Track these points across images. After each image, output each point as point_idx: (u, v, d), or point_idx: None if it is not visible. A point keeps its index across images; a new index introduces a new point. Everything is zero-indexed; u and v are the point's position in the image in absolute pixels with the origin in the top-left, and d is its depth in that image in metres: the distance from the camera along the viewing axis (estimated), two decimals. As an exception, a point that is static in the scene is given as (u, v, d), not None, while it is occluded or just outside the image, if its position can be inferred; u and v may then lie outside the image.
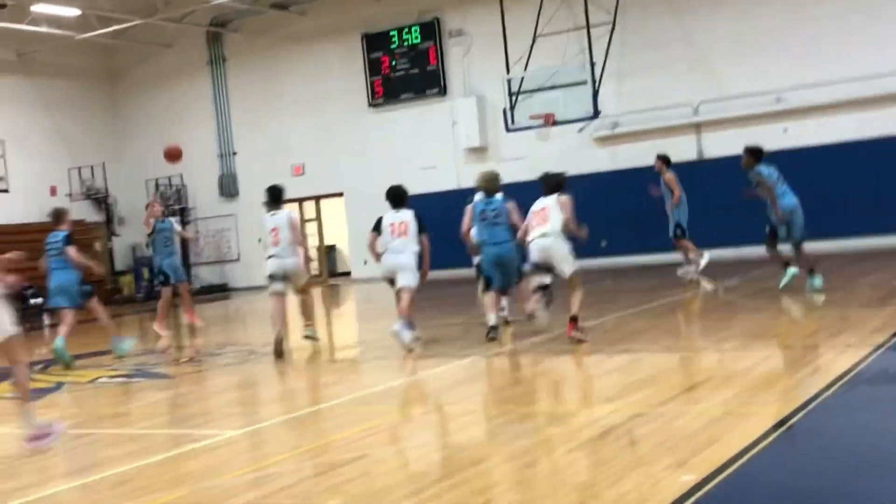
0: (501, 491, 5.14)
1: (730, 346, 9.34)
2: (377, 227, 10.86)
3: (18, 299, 7.29)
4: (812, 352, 8.70)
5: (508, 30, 20.74)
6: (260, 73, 26.26)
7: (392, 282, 10.87)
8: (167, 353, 13.08)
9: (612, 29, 20.23)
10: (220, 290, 26.57)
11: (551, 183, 10.22)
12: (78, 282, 12.21)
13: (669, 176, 15.63)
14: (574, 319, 9.78)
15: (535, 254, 10.01)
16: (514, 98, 20.47)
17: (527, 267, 10.45)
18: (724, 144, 19.25)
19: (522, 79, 20.39)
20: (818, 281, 12.20)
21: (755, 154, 12.55)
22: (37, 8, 22.15)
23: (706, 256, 15.62)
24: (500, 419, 7.17)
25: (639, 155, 19.58)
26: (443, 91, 23.66)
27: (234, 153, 27.07)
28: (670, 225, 15.62)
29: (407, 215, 10.78)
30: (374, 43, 24.39)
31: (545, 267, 10.09)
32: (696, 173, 19.87)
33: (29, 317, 19.07)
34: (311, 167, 25.48)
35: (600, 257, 19.47)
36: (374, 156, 24.29)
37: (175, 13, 24.51)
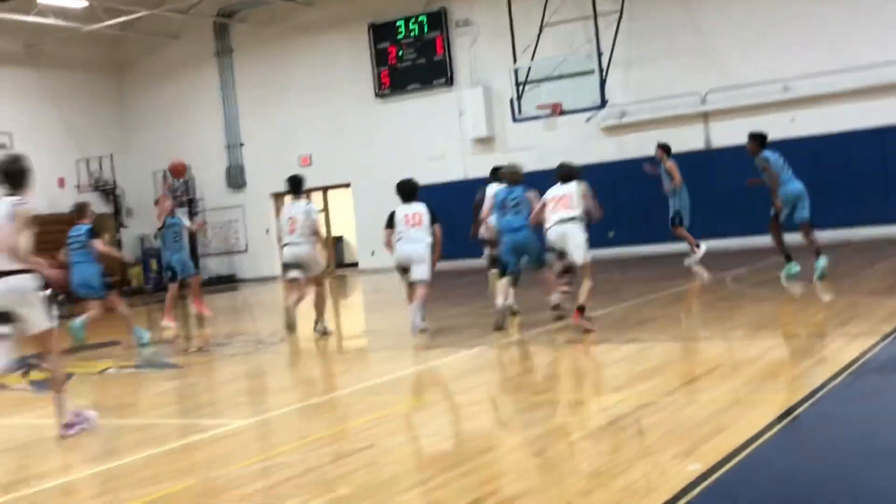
0: (509, 480, 5.15)
1: (737, 336, 9.34)
2: (390, 223, 10.96)
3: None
4: (819, 341, 8.68)
5: (515, 19, 20.73)
6: (267, 64, 26.21)
7: (405, 270, 10.94)
8: (175, 343, 13.14)
9: (620, 18, 20.18)
10: (228, 281, 26.61)
11: (569, 172, 10.32)
12: (100, 274, 12.68)
13: (670, 164, 15.68)
14: (581, 309, 9.81)
15: (552, 237, 10.14)
16: (521, 88, 20.43)
17: (549, 256, 10.61)
18: (732, 134, 19.11)
19: (529, 68, 20.34)
20: (823, 261, 12.27)
21: (759, 140, 12.62)
22: (43, -1, 22.18)
23: (703, 248, 15.79)
24: (507, 409, 7.20)
25: (646, 144, 19.47)
26: (450, 81, 23.61)
27: (242, 144, 27.03)
28: (670, 212, 15.72)
29: (420, 207, 10.99)
30: (381, 33, 24.33)
31: (560, 252, 10.21)
32: (704, 163, 19.89)
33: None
34: (318, 158, 25.42)
35: (607, 247, 19.45)
36: (382, 146, 24.26)
37: (182, 4, 24.47)
